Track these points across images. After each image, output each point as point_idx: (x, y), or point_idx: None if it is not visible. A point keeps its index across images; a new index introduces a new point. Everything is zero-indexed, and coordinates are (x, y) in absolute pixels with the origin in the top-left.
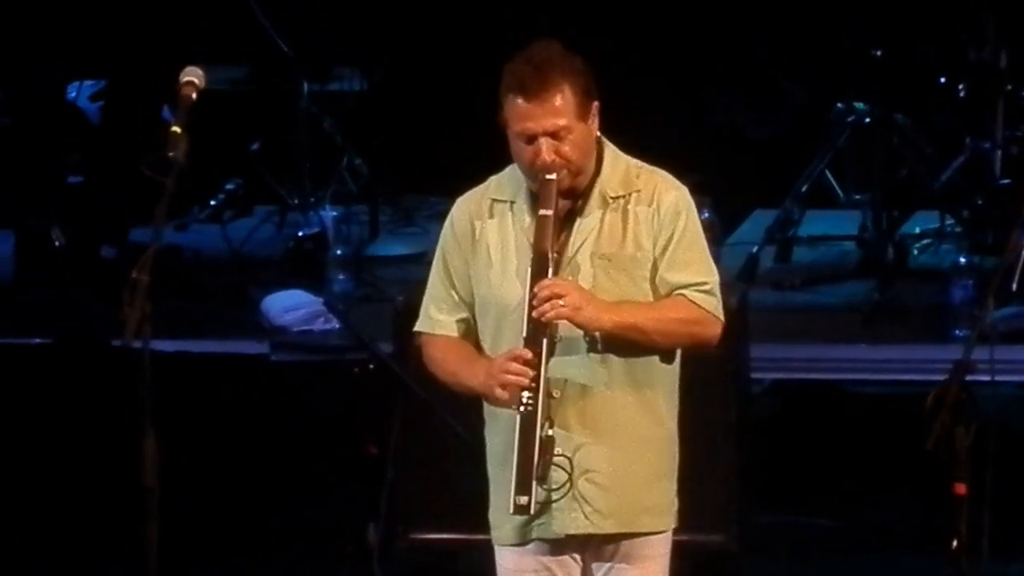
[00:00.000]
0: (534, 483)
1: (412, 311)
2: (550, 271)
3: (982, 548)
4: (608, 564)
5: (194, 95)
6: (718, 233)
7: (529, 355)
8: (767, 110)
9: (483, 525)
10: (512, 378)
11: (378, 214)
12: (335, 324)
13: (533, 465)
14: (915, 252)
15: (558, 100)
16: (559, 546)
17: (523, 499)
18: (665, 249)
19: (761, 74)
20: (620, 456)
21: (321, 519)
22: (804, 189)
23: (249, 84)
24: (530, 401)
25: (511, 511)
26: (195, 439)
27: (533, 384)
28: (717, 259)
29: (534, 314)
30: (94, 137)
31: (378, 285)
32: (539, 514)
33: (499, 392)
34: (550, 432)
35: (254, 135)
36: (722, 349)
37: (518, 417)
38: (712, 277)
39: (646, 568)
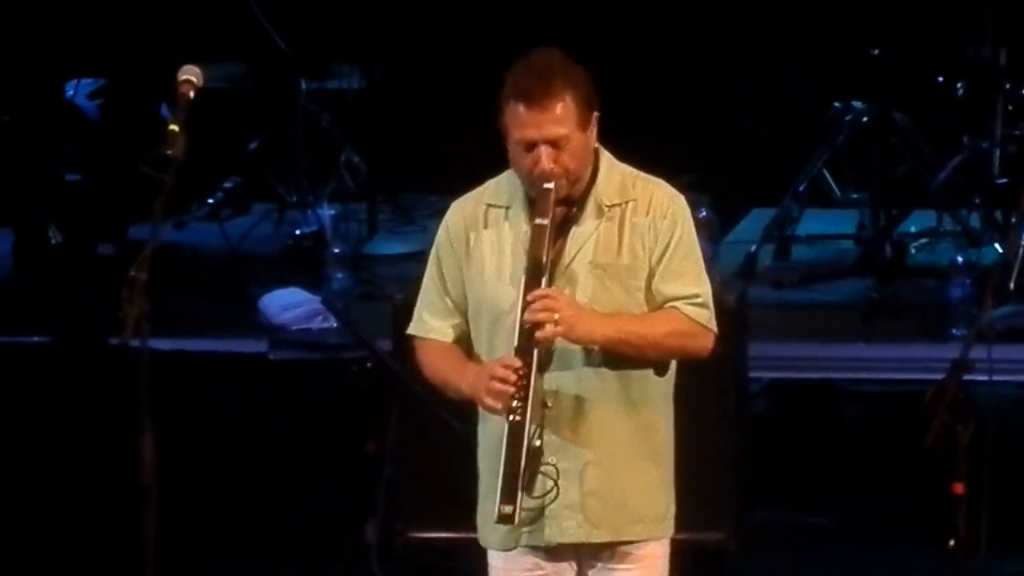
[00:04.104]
0: (520, 493)
1: (410, 309)
2: (544, 280)
3: (979, 546)
4: (603, 564)
5: (192, 93)
6: (716, 231)
7: (519, 364)
8: (768, 107)
9: None
10: (499, 386)
11: (376, 212)
12: (333, 322)
13: (520, 475)
14: (913, 251)
15: (560, 109)
16: (550, 551)
17: (508, 508)
18: (660, 259)
19: (762, 71)
20: (614, 466)
21: (319, 517)
22: (802, 188)
23: (247, 82)
24: (518, 409)
25: (495, 519)
26: (193, 437)
27: (521, 394)
28: (715, 257)
29: (525, 322)
30: (92, 135)
31: (376, 283)
32: (530, 522)
33: (487, 400)
34: (538, 443)
35: (252, 133)
36: (720, 347)
37: (506, 426)
38: (704, 288)
39: (643, 568)
